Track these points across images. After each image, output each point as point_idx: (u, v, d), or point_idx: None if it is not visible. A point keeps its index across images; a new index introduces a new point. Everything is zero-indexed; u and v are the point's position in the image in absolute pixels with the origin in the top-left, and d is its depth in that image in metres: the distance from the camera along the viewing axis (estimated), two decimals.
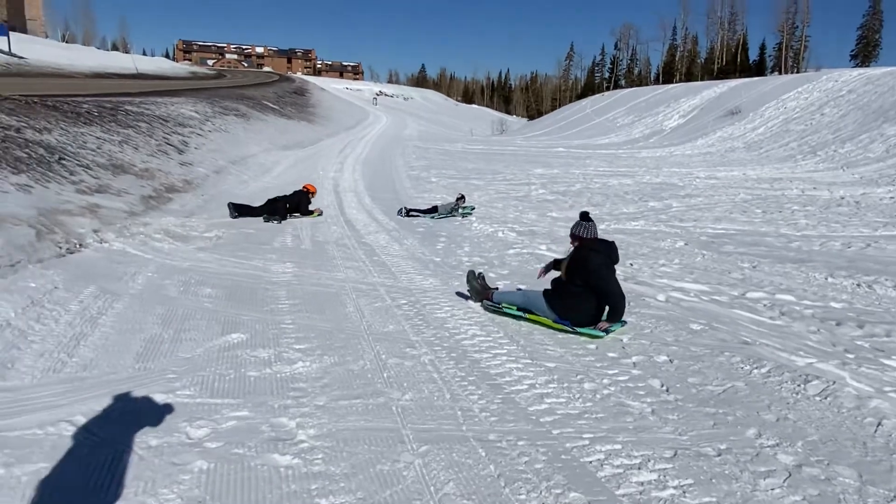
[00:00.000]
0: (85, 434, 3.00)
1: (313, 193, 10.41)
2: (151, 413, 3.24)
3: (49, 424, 3.04)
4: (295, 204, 9.86)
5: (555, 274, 5.13)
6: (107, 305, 4.91)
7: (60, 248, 6.08)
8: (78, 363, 3.84)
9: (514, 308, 5.04)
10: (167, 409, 3.30)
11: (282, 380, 3.72)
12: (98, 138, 11.37)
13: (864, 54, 66.25)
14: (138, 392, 3.47)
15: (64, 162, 9.07)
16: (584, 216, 4.88)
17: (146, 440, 2.96)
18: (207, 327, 4.59)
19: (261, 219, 9.28)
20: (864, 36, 67.03)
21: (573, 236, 4.88)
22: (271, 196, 9.94)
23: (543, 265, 5.38)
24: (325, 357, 4.09)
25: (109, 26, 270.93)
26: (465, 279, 5.53)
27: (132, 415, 3.22)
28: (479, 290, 5.32)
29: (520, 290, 5.32)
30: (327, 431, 3.11)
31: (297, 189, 10.32)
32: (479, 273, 5.45)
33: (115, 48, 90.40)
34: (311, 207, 10.14)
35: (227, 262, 6.54)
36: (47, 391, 3.44)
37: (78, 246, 6.32)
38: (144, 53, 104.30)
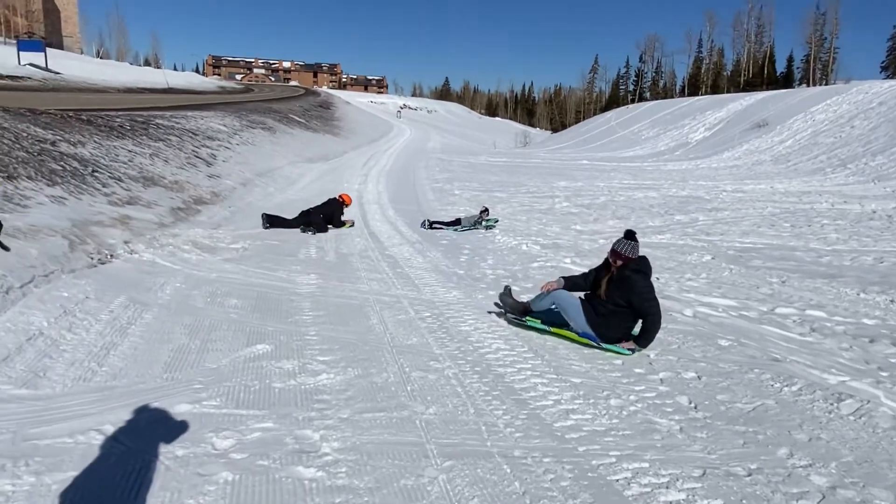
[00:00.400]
0: (113, 443, 3.04)
1: (348, 204, 10.48)
2: (178, 423, 3.28)
3: (79, 433, 3.09)
4: (329, 214, 9.95)
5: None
6: (136, 315, 4.99)
7: (92, 258, 6.21)
8: (108, 372, 3.90)
9: (539, 322, 5.00)
10: (193, 419, 3.33)
11: (306, 391, 3.74)
12: (130, 151, 11.63)
13: None
14: (166, 402, 3.51)
15: (97, 174, 9.29)
16: (630, 234, 4.80)
17: (173, 450, 2.99)
18: (233, 338, 4.64)
19: (286, 230, 9.37)
20: (895, 47, 65.80)
21: (617, 254, 4.75)
22: (302, 208, 10.00)
23: (553, 281, 5.19)
24: (348, 369, 4.10)
25: (142, 42, 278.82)
26: (499, 297, 5.48)
27: (159, 424, 3.26)
28: (514, 304, 5.27)
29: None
30: (351, 444, 3.11)
31: (331, 198, 10.41)
32: (507, 287, 5.41)
33: (147, 63, 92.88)
34: (343, 218, 10.23)
35: (252, 274, 6.61)
36: (78, 400, 3.50)
37: (109, 256, 6.45)
38: (175, 68, 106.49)
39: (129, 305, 5.19)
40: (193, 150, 14.23)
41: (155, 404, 3.48)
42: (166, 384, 3.79)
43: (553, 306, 4.96)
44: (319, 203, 10.28)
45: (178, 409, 3.44)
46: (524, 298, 5.80)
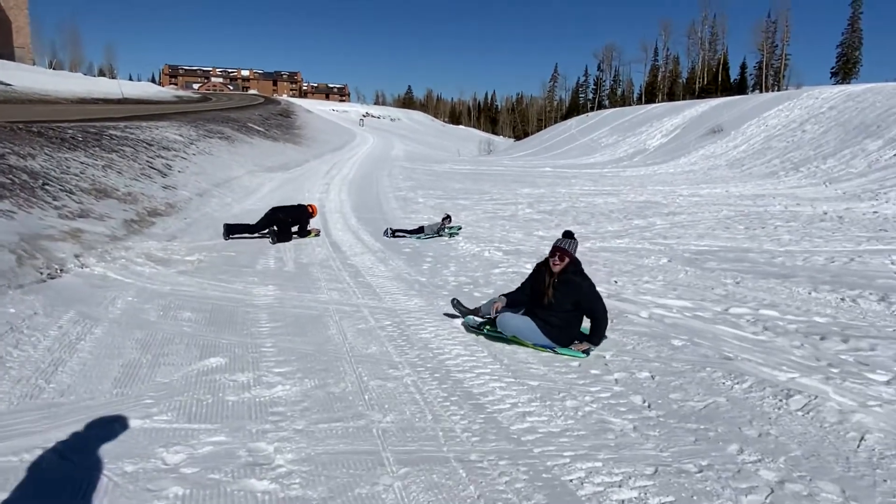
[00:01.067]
0: (60, 461, 2.95)
1: (314, 215, 10.39)
2: (127, 439, 3.20)
3: (24, 451, 2.99)
4: (296, 218, 9.83)
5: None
6: (86, 331, 4.85)
7: (41, 273, 6.01)
8: (55, 389, 3.78)
9: (496, 331, 5.00)
10: (143, 434, 3.25)
11: (261, 404, 3.68)
12: (82, 163, 11.32)
13: (845, 71, 67.63)
14: (115, 418, 3.42)
15: (47, 187, 9.01)
16: (569, 234, 4.87)
17: (121, 466, 2.91)
18: (186, 352, 4.54)
19: (244, 241, 9.22)
20: (844, 53, 68.49)
21: (565, 252, 4.73)
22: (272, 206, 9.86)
23: (497, 302, 5.07)
24: (305, 380, 4.05)
25: (96, 53, 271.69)
26: (451, 305, 5.54)
27: (108, 441, 3.16)
28: (466, 309, 5.35)
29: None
30: (306, 455, 3.07)
31: (301, 204, 10.30)
32: (454, 300, 5.51)
33: (101, 74, 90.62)
34: (308, 227, 10.13)
35: (207, 286, 6.49)
36: (24, 418, 3.38)
37: (59, 271, 6.25)
38: (131, 78, 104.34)
39: (78, 321, 5.04)
40: (148, 161, 13.93)
41: (103, 421, 3.38)
42: (116, 400, 3.69)
43: (511, 336, 4.87)
44: (288, 205, 10.13)
45: (128, 425, 3.35)
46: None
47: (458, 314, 5.45)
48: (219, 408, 3.61)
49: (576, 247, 4.80)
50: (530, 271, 5.19)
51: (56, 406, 3.56)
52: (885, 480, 2.91)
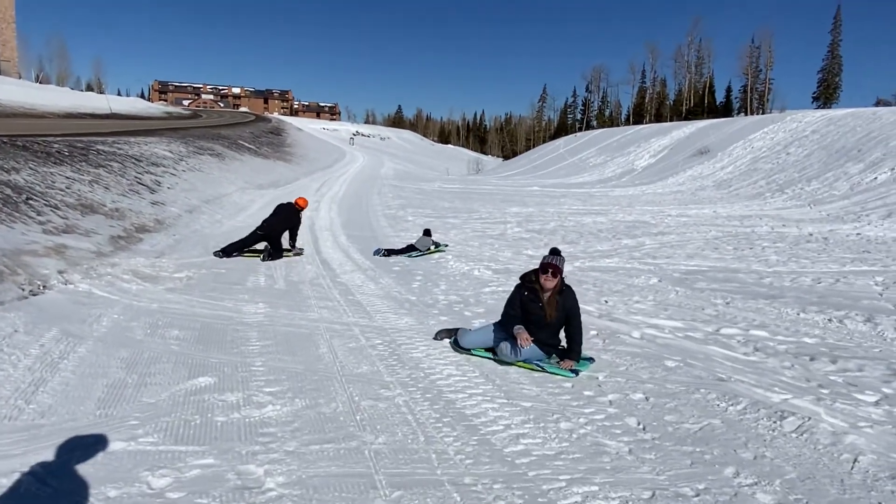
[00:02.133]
0: (39, 485, 2.85)
1: (303, 207, 10.27)
2: (111, 462, 3.10)
3: (2, 475, 2.89)
4: (288, 224, 9.75)
5: None
6: (69, 349, 4.74)
7: (23, 289, 5.89)
8: (35, 410, 3.67)
9: (482, 350, 5.00)
10: (128, 457, 3.16)
11: (250, 425, 3.60)
12: (68, 178, 11.20)
13: (826, 96, 68.83)
14: (98, 440, 3.32)
15: (31, 202, 8.89)
16: (556, 251, 4.86)
17: (104, 491, 2.82)
18: (174, 371, 4.45)
19: (235, 258, 9.13)
20: (825, 79, 69.75)
21: (556, 268, 4.67)
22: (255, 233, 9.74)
23: (522, 332, 4.75)
24: (296, 400, 3.98)
25: (85, 67, 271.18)
26: (437, 333, 5.55)
27: (90, 464, 3.07)
28: (446, 334, 5.43)
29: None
30: (297, 479, 2.99)
31: (281, 204, 10.18)
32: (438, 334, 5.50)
33: (89, 88, 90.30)
34: (297, 245, 10.03)
35: (196, 304, 6.40)
36: (2, 440, 3.27)
37: (42, 287, 6.13)
38: (119, 94, 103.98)
39: (61, 339, 4.93)
40: (136, 177, 13.82)
41: (86, 443, 3.29)
42: (99, 421, 3.59)
43: (521, 359, 4.80)
44: (270, 215, 9.97)
45: (112, 448, 3.25)
46: (476, 324, 5.81)
47: (448, 336, 5.42)
48: (207, 429, 3.53)
49: (563, 262, 4.79)
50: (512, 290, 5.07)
51: (36, 428, 3.45)
52: (879, 503, 2.89)
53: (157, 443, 3.33)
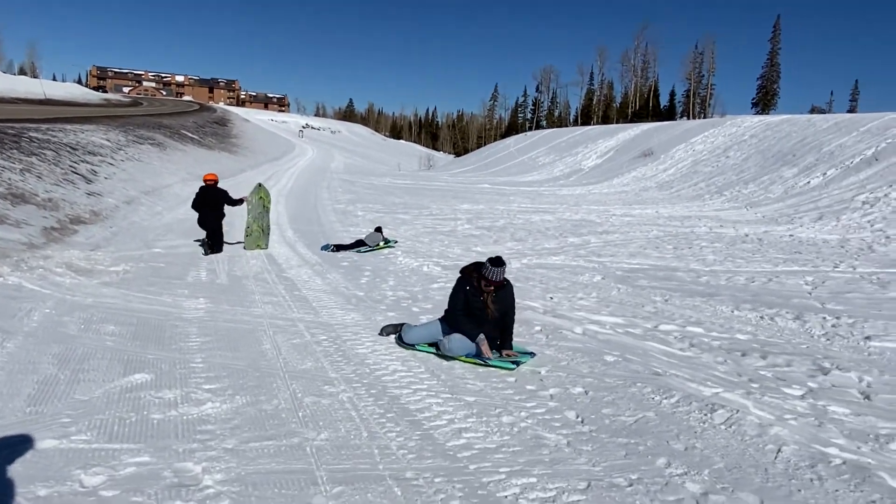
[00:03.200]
0: None
1: (216, 180, 9.92)
2: (41, 460, 2.99)
3: None
4: (218, 203, 9.45)
5: None
6: None
7: None
8: None
9: (426, 346, 5.07)
10: (59, 455, 3.05)
11: (188, 422, 3.53)
12: None
13: (764, 102, 71.81)
14: (27, 438, 3.20)
15: None
16: (500, 261, 4.85)
17: (34, 490, 2.72)
18: (109, 367, 4.31)
19: (174, 251, 8.87)
20: (764, 85, 72.77)
21: (491, 282, 4.78)
22: (195, 226, 9.42)
23: (485, 343, 4.87)
24: (236, 397, 3.92)
25: (17, 50, 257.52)
26: (383, 328, 5.56)
27: (19, 463, 2.96)
28: (392, 330, 5.47)
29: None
30: (235, 476, 2.95)
31: (201, 187, 9.76)
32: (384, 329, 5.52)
33: (22, 73, 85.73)
34: (234, 196, 9.75)
35: (133, 298, 6.20)
36: None
37: None
38: (55, 79, 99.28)
39: None
40: (71, 166, 13.25)
41: (14, 441, 3.16)
42: (29, 419, 3.45)
43: (466, 355, 4.88)
44: (194, 201, 9.64)
45: (42, 446, 3.14)
46: (424, 319, 5.83)
47: (394, 332, 5.44)
48: (143, 426, 3.44)
49: (499, 273, 4.82)
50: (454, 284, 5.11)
51: None
52: (799, 490, 3.06)
53: (91, 441, 3.23)
